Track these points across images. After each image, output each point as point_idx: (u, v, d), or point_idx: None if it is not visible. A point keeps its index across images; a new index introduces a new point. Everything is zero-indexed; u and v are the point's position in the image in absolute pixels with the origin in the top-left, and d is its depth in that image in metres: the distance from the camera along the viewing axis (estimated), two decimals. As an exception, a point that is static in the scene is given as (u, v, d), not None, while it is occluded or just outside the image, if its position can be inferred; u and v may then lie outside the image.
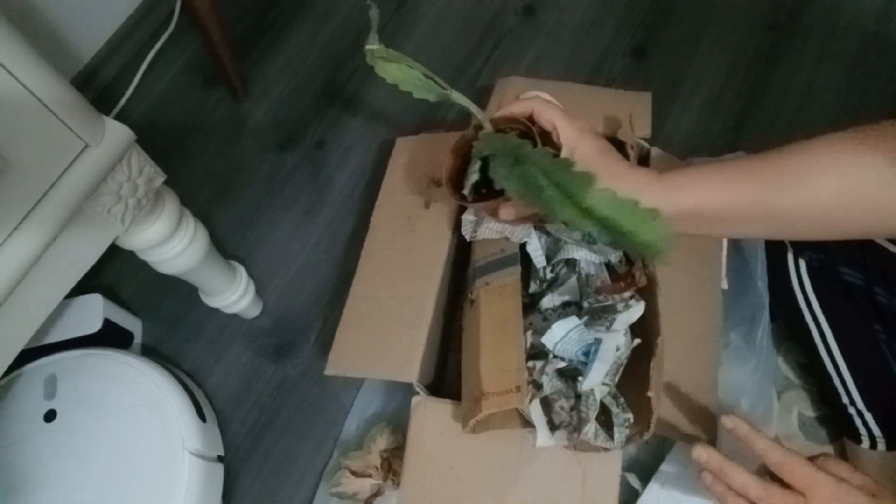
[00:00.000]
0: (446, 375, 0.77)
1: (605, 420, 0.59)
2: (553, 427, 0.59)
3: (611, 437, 0.57)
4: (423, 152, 0.80)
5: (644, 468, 0.71)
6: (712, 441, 0.62)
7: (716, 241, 0.70)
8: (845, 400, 0.69)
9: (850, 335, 0.68)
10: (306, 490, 0.83)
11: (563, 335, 0.59)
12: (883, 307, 0.64)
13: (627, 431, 0.57)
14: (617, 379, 0.59)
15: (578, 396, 0.59)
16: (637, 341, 0.59)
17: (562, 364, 0.60)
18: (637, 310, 0.59)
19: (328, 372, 0.67)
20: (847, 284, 0.65)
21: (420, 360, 0.63)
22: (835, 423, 0.76)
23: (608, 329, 0.59)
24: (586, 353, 0.59)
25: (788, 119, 1.00)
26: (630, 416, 0.58)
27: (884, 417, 0.67)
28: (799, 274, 0.69)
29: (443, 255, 0.69)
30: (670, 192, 0.48)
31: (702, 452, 0.51)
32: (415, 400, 0.64)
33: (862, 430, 0.69)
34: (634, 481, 0.70)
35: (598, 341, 0.59)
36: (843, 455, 0.75)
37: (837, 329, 0.68)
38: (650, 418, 0.54)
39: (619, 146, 0.72)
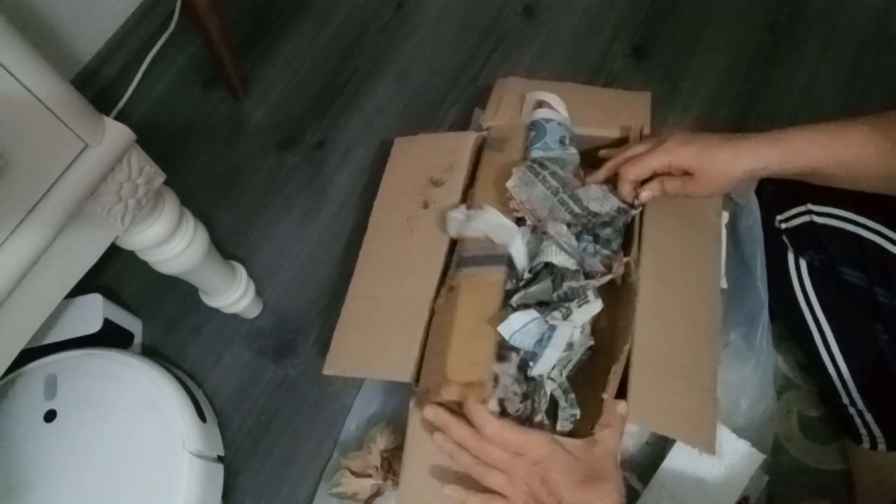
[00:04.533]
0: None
1: (554, 412, 0.60)
2: (505, 414, 0.59)
3: (554, 429, 0.59)
4: (421, 152, 0.80)
5: (644, 468, 0.71)
6: (711, 439, 0.62)
7: (715, 241, 0.70)
8: (845, 400, 0.69)
9: (850, 335, 0.68)
10: (306, 490, 0.83)
11: (520, 326, 0.60)
12: (883, 307, 0.64)
13: (571, 426, 0.59)
14: (566, 373, 0.61)
15: (531, 383, 0.60)
16: (591, 342, 0.62)
17: (516, 357, 0.61)
18: (594, 306, 0.60)
19: (326, 372, 0.67)
20: (848, 285, 0.65)
21: (418, 359, 0.63)
22: (835, 423, 0.76)
23: (564, 318, 0.59)
24: (540, 342, 0.60)
25: (788, 119, 1.00)
26: (577, 412, 0.59)
27: (884, 418, 0.67)
28: (800, 274, 0.69)
29: (441, 256, 0.69)
30: (788, 157, 0.59)
31: (429, 412, 0.58)
32: (414, 399, 0.64)
33: (862, 431, 0.69)
34: (634, 481, 0.70)
35: (552, 328, 0.60)
36: (843, 455, 0.75)
37: (838, 329, 0.68)
38: (597, 420, 0.56)
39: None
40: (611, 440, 0.55)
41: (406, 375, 0.63)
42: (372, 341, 0.67)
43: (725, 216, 0.73)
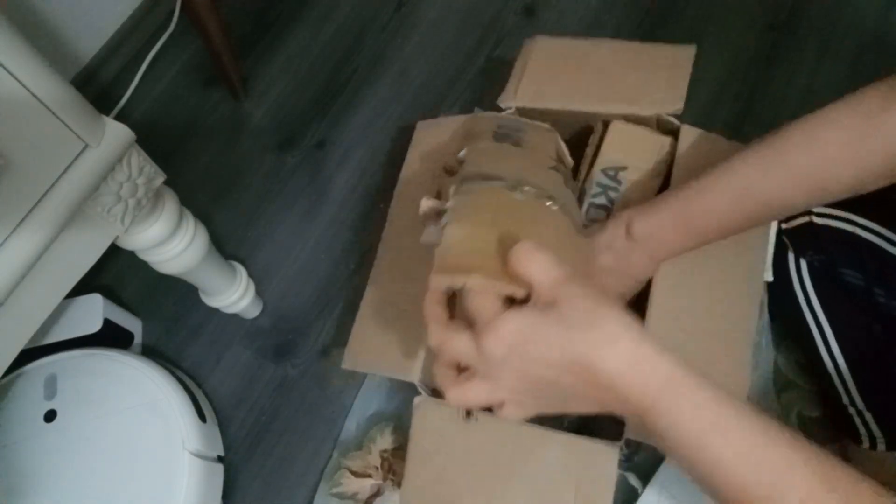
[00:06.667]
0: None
1: None
2: None
3: None
4: (438, 139, 0.76)
5: (644, 468, 0.71)
6: None
7: (760, 228, 0.63)
8: (845, 400, 0.69)
9: (850, 335, 0.68)
10: (306, 490, 0.83)
11: None
12: (882, 307, 0.64)
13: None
14: None
15: None
16: None
17: None
18: None
19: (345, 366, 0.66)
20: (847, 285, 0.65)
21: (423, 359, 0.63)
22: (835, 423, 0.76)
23: None
24: None
25: (788, 119, 1.00)
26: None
27: (884, 418, 0.67)
28: (800, 275, 0.69)
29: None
30: (656, 255, 0.57)
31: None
32: (417, 399, 0.64)
33: (862, 431, 0.69)
34: (634, 481, 0.70)
35: None
36: (843, 455, 0.75)
37: (838, 329, 0.68)
38: None
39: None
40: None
41: (410, 374, 0.63)
42: (386, 337, 0.66)
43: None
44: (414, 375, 0.62)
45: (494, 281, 0.38)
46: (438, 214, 0.52)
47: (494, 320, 0.36)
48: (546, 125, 0.68)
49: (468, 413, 0.43)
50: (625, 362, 0.34)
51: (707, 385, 0.35)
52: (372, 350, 0.66)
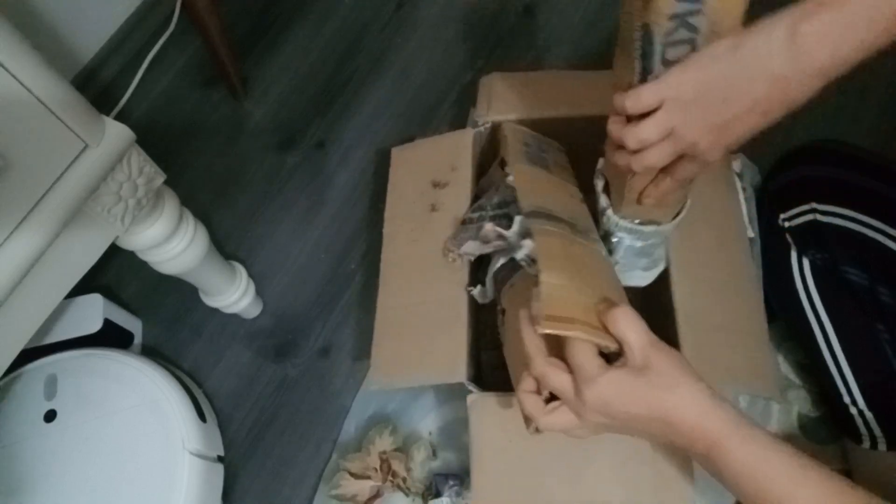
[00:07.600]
0: (482, 372, 0.77)
1: None
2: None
3: None
4: (420, 158, 0.80)
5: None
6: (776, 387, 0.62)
7: (731, 191, 0.69)
8: (846, 399, 0.69)
9: (852, 334, 0.68)
10: (306, 490, 0.83)
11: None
12: (885, 306, 0.64)
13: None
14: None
15: None
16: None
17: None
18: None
19: (371, 387, 0.66)
20: (850, 284, 0.65)
21: (466, 358, 0.63)
22: (835, 423, 0.76)
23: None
24: None
25: (788, 118, 1.00)
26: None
27: (885, 417, 0.67)
28: (802, 273, 0.69)
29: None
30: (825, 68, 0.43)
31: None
32: (470, 398, 0.63)
33: (863, 430, 0.69)
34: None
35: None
36: (843, 455, 0.75)
37: (840, 328, 0.68)
38: None
39: None
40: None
41: (458, 375, 0.62)
42: (415, 348, 0.66)
43: (737, 165, 0.72)
44: (459, 376, 0.62)
45: (593, 336, 0.46)
46: (498, 237, 0.62)
47: (597, 377, 0.45)
48: (556, 143, 0.73)
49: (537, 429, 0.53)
50: (695, 416, 0.44)
51: (759, 431, 0.43)
52: (401, 364, 0.66)
